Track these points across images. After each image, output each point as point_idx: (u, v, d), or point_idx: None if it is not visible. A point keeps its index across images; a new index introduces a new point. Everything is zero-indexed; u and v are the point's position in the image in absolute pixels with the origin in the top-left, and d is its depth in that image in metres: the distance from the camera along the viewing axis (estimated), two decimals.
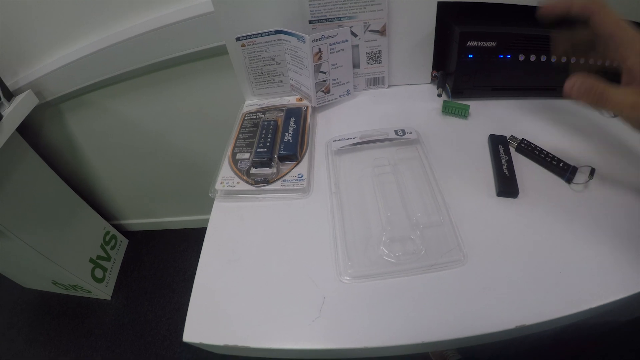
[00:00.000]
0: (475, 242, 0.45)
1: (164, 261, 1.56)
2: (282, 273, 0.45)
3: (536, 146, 0.54)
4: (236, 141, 0.61)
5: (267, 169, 0.56)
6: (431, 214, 0.48)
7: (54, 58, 1.00)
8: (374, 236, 0.46)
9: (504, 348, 0.86)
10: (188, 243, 1.59)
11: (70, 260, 1.33)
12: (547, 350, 0.70)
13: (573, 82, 0.41)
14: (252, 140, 0.61)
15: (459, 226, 0.46)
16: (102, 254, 1.48)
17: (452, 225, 0.46)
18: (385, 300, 0.41)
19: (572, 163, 0.51)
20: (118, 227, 1.62)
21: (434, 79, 0.70)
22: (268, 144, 0.58)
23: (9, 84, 1.01)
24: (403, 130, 0.58)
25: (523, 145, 0.55)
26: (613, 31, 0.40)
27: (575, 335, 0.63)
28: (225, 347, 0.40)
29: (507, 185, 0.50)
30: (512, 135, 0.57)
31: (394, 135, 0.58)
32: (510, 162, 0.53)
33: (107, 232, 1.53)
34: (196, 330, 0.41)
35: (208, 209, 0.54)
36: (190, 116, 1.17)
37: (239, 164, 0.57)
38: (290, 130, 0.60)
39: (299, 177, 0.54)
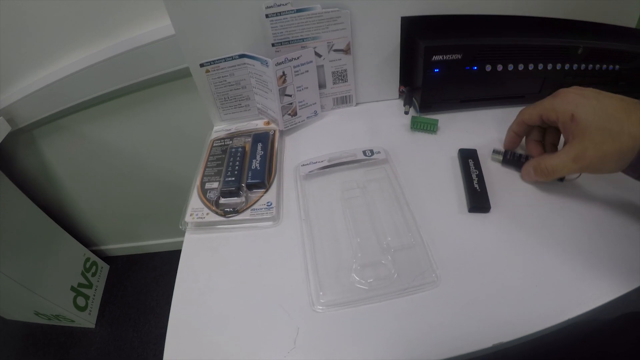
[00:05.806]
0: (448, 261, 0.44)
1: (146, 285, 1.53)
2: (256, 305, 0.44)
3: (521, 155, 0.54)
4: (205, 170, 0.60)
5: (235, 198, 0.55)
6: (402, 236, 0.47)
7: (24, 84, 0.98)
8: (345, 263, 0.45)
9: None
10: (170, 266, 1.56)
11: (51, 289, 1.30)
12: (538, 351, 0.70)
13: (523, 173, 0.52)
14: (220, 168, 0.59)
15: (431, 246, 0.46)
16: (84, 281, 1.45)
17: (424, 246, 0.46)
18: (359, 327, 0.40)
19: None
20: (98, 253, 1.58)
21: (401, 94, 0.70)
22: (236, 172, 0.57)
23: None
24: (371, 151, 0.58)
25: (508, 157, 0.55)
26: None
27: (565, 334, 0.64)
28: None
29: (478, 201, 0.50)
30: (494, 149, 0.56)
31: (362, 156, 0.57)
32: (480, 176, 0.52)
33: (88, 259, 1.49)
34: None
35: None
36: (167, 137, 1.16)
37: (208, 194, 0.56)
38: (258, 157, 0.58)
39: (267, 205, 0.52)
